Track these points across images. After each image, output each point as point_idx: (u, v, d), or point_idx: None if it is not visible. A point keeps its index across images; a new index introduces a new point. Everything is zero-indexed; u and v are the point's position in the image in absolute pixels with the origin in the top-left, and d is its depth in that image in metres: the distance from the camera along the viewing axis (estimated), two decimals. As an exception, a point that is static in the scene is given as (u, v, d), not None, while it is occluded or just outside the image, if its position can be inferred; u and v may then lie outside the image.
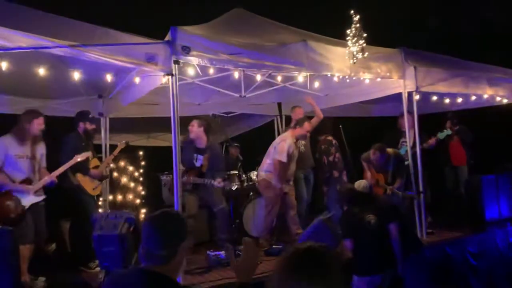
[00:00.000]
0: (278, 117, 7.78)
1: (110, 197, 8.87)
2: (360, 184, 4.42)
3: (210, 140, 5.43)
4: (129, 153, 8.34)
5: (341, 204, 4.18)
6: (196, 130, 5.32)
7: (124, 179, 8.14)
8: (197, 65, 4.14)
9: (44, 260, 5.05)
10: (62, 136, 5.06)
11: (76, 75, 4.54)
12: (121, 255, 3.94)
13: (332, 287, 1.35)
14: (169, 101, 6.28)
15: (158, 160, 7.64)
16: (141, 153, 8.50)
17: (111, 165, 8.83)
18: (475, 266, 5.38)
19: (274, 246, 5.21)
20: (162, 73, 3.95)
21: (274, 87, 6.32)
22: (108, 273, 3.94)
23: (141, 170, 8.39)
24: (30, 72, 4.35)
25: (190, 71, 4.47)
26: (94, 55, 3.54)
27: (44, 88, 5.25)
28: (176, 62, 3.91)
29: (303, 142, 6.01)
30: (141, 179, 8.16)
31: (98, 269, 4.27)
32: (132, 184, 8.37)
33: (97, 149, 6.26)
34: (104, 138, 6.27)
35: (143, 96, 5.26)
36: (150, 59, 3.80)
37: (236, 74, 4.76)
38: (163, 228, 1.87)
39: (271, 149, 5.63)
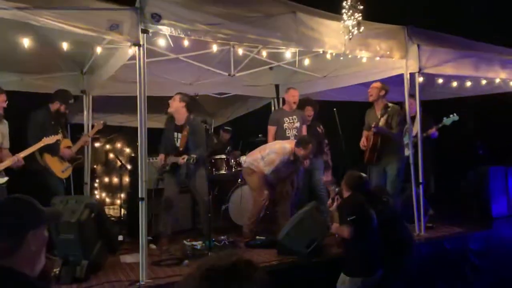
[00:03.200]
0: (275, 99, 7.34)
1: (106, 179, 8.65)
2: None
3: (191, 117, 4.99)
4: (126, 134, 8.03)
5: (346, 189, 3.65)
6: (177, 104, 4.90)
7: (119, 162, 7.87)
8: (169, 35, 3.71)
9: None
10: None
11: (56, 48, 4.20)
12: (80, 244, 3.59)
13: None
14: (159, 79, 6.10)
15: (154, 142, 7.28)
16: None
17: (107, 146, 8.59)
18: (478, 266, 4.94)
19: (257, 237, 4.83)
20: (128, 43, 3.54)
21: (267, 66, 5.92)
22: (67, 262, 3.60)
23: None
24: (5, 44, 4.02)
25: (162, 43, 4.03)
26: (47, 20, 3.14)
27: (22, 62, 4.91)
28: (145, 31, 3.49)
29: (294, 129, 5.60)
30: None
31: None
32: (129, 166, 8.07)
33: (79, 129, 5.93)
34: (86, 117, 5.89)
35: (129, 73, 4.89)
36: (114, 27, 3.39)
37: (215, 48, 4.32)
38: (1, 216, 1.64)
39: (267, 146, 5.24)
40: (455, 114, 5.46)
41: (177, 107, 4.91)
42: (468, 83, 5.97)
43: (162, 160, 4.89)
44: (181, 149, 4.87)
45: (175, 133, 4.96)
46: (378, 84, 5.30)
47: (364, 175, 3.74)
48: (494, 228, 5.43)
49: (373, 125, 5.10)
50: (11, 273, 1.56)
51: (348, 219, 3.38)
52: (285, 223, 4.84)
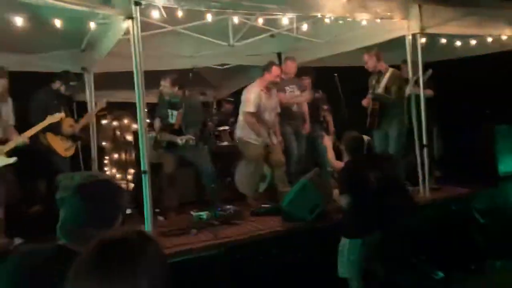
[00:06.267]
0: (279, 67, 7.24)
1: (116, 156, 8.76)
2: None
3: (186, 93, 4.99)
4: (133, 110, 8.06)
5: (346, 153, 3.67)
6: (170, 90, 4.88)
7: (128, 137, 7.94)
8: (162, 7, 3.67)
9: (26, 222, 4.89)
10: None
11: (55, 25, 4.17)
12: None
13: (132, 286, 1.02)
14: (158, 53, 6.04)
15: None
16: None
17: (114, 123, 8.65)
18: (483, 225, 4.96)
19: (262, 206, 4.90)
20: (122, 17, 3.50)
21: (267, 34, 5.81)
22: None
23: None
24: (5, 24, 3.99)
25: (156, 15, 3.98)
26: (37, -4, 3.13)
27: (22, 42, 4.89)
28: (137, 3, 3.45)
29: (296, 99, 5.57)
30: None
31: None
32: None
33: (83, 107, 5.94)
34: (89, 95, 5.89)
35: (128, 48, 4.85)
36: (106, 0, 3.36)
37: (209, 17, 4.24)
38: (103, 203, 1.53)
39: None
40: (430, 70, 5.34)
41: (172, 92, 4.88)
42: (473, 42, 5.82)
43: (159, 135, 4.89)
44: (176, 127, 4.89)
45: (169, 110, 4.97)
46: (370, 54, 5.26)
47: (365, 137, 3.74)
48: (500, 187, 5.41)
49: (370, 92, 5.07)
50: None
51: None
52: (285, 190, 4.92)
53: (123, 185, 7.65)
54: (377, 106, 5.11)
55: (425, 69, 5.10)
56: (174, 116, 4.92)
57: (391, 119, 5.13)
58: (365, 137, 4.07)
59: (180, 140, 4.68)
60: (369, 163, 3.59)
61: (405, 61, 5.06)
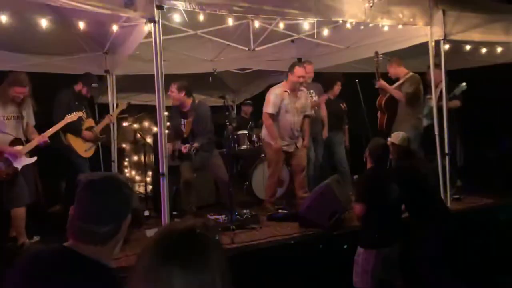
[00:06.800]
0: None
1: (135, 158, 8.85)
2: (398, 135, 3.86)
3: (195, 101, 5.00)
4: (153, 112, 8.13)
5: (369, 160, 3.55)
6: (177, 96, 4.89)
7: (148, 140, 8.03)
8: (184, 11, 3.69)
9: (47, 221, 4.97)
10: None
11: (76, 29, 4.25)
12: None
13: (209, 276, 1.04)
14: (179, 56, 6.10)
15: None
16: (166, 113, 8.28)
17: (135, 125, 8.75)
18: (508, 237, 4.81)
19: (280, 211, 4.87)
20: (144, 20, 3.54)
21: (287, 39, 5.81)
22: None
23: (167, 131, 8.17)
24: (31, 27, 4.08)
25: (177, 19, 4.00)
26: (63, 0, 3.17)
27: (47, 44, 5.01)
28: (160, 7, 3.48)
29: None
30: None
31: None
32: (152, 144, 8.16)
33: (105, 109, 6.03)
34: (111, 97, 5.96)
35: (150, 51, 4.90)
36: (128, 3, 3.39)
37: (231, 22, 4.25)
38: (109, 197, 1.50)
39: None
40: (464, 84, 5.26)
41: (179, 98, 4.89)
42: (499, 49, 5.69)
43: (170, 149, 4.87)
44: (185, 135, 4.91)
45: (181, 120, 5.00)
46: (389, 63, 5.40)
47: (402, 133, 3.67)
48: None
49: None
50: (105, 270, 1.45)
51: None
52: (303, 195, 4.87)
53: (142, 187, 7.74)
54: (382, 101, 5.19)
55: (447, 75, 5.01)
56: (185, 126, 4.93)
57: (400, 123, 5.06)
58: (402, 134, 3.91)
59: (184, 149, 4.68)
60: (395, 172, 3.47)
61: (429, 66, 4.98)
